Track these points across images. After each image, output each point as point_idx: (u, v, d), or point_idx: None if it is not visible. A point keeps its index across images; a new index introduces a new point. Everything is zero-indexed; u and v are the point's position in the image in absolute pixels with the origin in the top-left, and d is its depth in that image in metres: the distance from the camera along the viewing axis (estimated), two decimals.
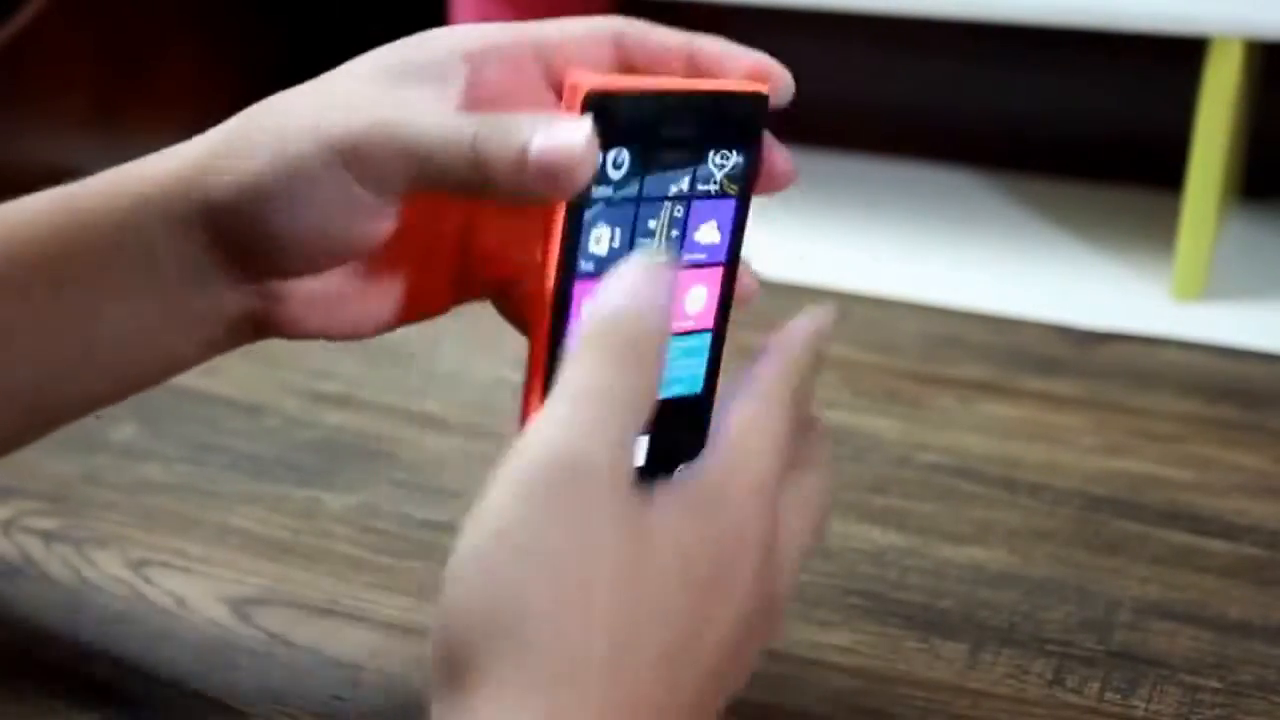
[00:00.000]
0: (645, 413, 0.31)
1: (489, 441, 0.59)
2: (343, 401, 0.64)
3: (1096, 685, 0.44)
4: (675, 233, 0.36)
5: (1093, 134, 0.96)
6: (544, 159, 0.32)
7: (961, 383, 0.66)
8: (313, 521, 0.54)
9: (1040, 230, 0.88)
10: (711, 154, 0.35)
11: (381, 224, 0.36)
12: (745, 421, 0.34)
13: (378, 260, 0.38)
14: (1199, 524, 0.54)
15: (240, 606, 0.48)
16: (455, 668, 0.28)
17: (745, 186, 0.36)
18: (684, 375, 0.37)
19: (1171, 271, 0.76)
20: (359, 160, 0.35)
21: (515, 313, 0.40)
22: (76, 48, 0.92)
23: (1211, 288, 0.77)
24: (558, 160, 0.32)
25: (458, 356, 0.67)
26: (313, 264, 0.37)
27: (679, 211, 0.35)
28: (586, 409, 0.30)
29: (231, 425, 0.61)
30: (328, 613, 0.48)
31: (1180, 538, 0.53)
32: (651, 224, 0.35)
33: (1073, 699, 0.44)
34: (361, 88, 0.36)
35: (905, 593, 0.49)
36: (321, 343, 0.39)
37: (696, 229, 0.36)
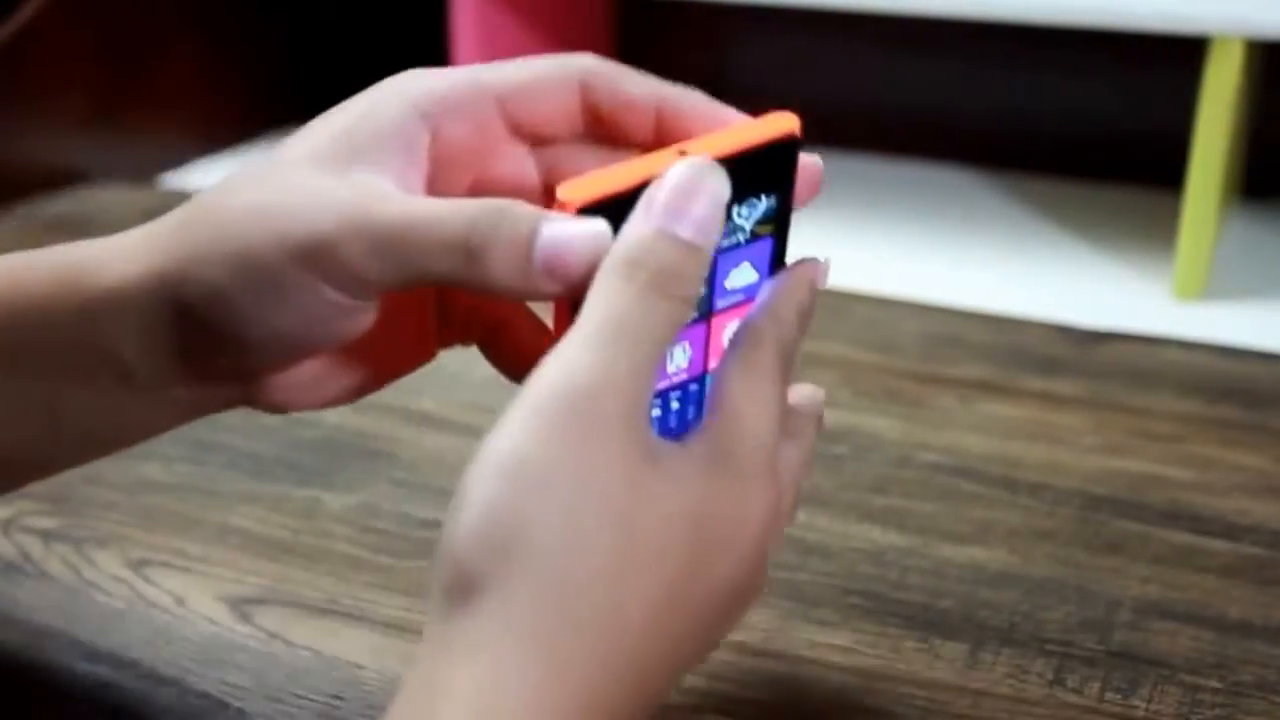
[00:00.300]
0: (668, 341, 0.31)
1: None
2: None
3: (1097, 685, 0.44)
4: (703, 291, 0.34)
5: (1093, 133, 0.96)
6: (551, 254, 0.31)
7: (962, 382, 0.66)
8: (312, 521, 0.54)
9: (1041, 230, 0.88)
10: (736, 210, 0.33)
11: (361, 319, 0.34)
12: (741, 388, 0.33)
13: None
14: (1200, 524, 0.54)
15: (240, 606, 0.48)
16: (460, 584, 0.29)
17: (781, 221, 0.35)
18: None
19: (1172, 271, 0.76)
20: (330, 264, 0.32)
21: (503, 360, 0.39)
22: (76, 47, 0.92)
23: (1212, 287, 0.77)
24: (567, 255, 0.31)
25: (457, 356, 0.67)
26: (290, 362, 0.36)
27: None
28: (602, 341, 0.30)
29: (231, 424, 0.61)
30: (327, 612, 0.48)
31: (1181, 537, 0.53)
32: None
33: (1073, 699, 0.44)
34: (319, 177, 0.33)
35: (905, 592, 0.49)
36: None
37: (727, 277, 0.35)
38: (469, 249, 0.32)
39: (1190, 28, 0.72)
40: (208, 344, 0.35)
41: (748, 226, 0.34)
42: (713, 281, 0.34)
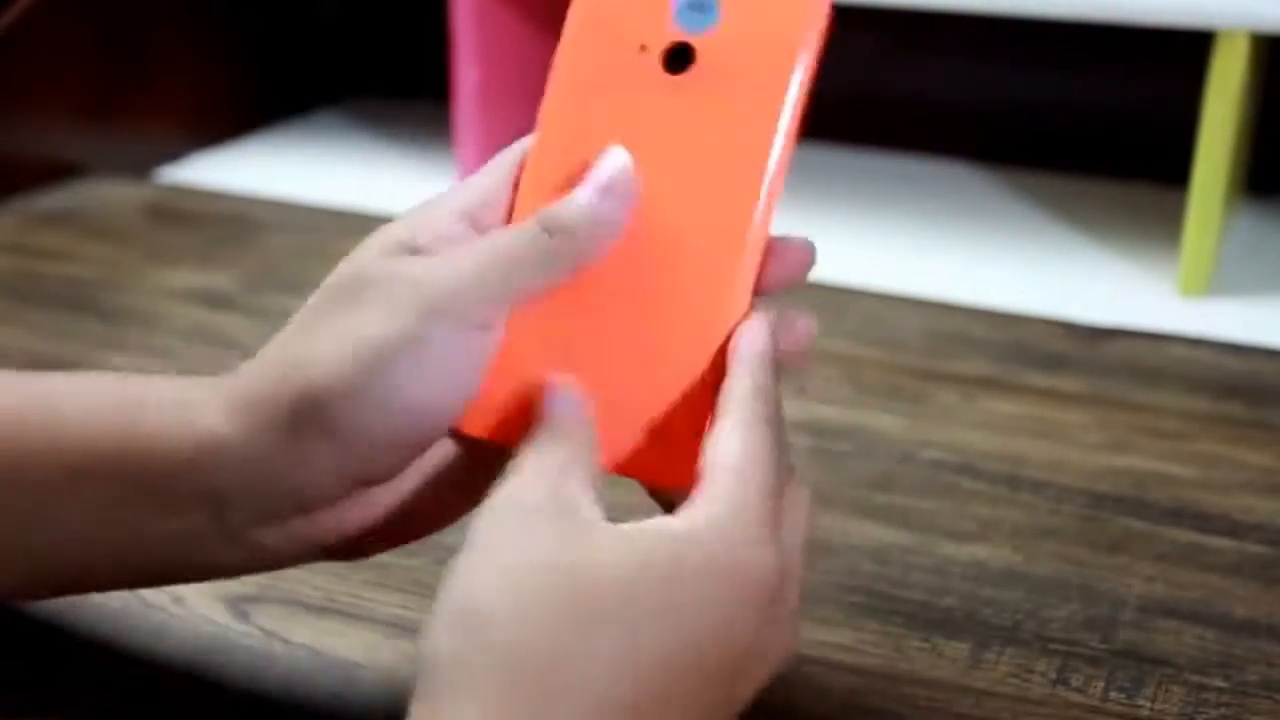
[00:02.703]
0: (571, 441, 0.34)
1: None
2: None
3: (1101, 684, 0.44)
4: None
5: (1098, 128, 0.95)
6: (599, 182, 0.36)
7: (965, 379, 0.66)
8: None
9: (1045, 225, 0.87)
10: None
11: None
12: (735, 455, 0.34)
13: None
14: (1204, 522, 0.53)
15: (237, 604, 0.48)
16: (431, 673, 0.31)
17: None
18: None
19: (1177, 267, 0.76)
20: (457, 311, 0.35)
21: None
22: (73, 40, 0.91)
23: (1217, 284, 0.76)
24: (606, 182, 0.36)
25: None
26: (414, 452, 0.37)
27: None
28: (528, 452, 0.34)
29: None
30: (325, 610, 0.48)
31: (1185, 536, 0.52)
32: None
33: (1076, 698, 0.43)
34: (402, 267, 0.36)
35: (907, 591, 0.49)
36: None
37: None
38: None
39: (1196, 21, 0.71)
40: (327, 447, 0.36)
41: None
42: None
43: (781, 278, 0.37)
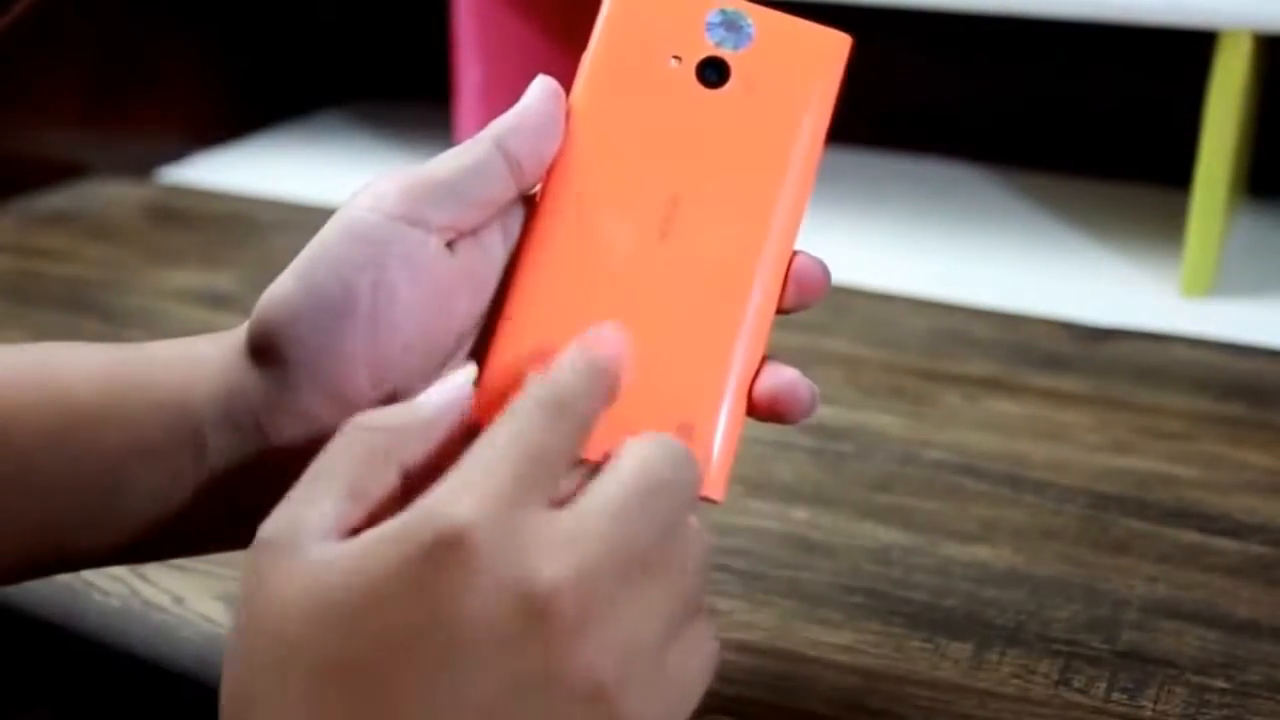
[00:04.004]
0: (325, 484, 0.30)
1: None
2: None
3: (1103, 685, 0.44)
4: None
5: (1098, 128, 0.95)
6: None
7: (967, 379, 0.65)
8: None
9: (1046, 226, 0.87)
10: None
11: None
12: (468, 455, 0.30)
13: None
14: (1207, 522, 0.53)
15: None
16: None
17: None
18: None
19: (1179, 267, 0.76)
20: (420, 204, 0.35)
21: None
22: (74, 40, 0.91)
23: (1220, 284, 0.76)
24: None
25: None
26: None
27: None
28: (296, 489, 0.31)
29: None
30: None
31: (1188, 536, 0.52)
32: None
33: (1079, 699, 0.43)
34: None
35: (909, 591, 0.49)
36: None
37: None
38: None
39: (1198, 21, 0.71)
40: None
41: None
42: None
43: (794, 299, 0.37)
